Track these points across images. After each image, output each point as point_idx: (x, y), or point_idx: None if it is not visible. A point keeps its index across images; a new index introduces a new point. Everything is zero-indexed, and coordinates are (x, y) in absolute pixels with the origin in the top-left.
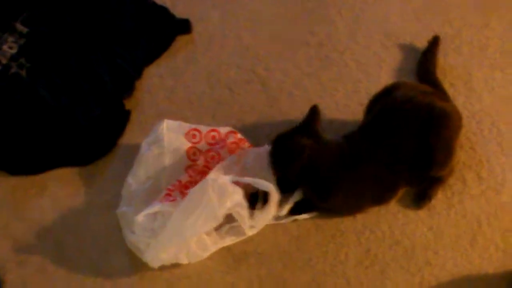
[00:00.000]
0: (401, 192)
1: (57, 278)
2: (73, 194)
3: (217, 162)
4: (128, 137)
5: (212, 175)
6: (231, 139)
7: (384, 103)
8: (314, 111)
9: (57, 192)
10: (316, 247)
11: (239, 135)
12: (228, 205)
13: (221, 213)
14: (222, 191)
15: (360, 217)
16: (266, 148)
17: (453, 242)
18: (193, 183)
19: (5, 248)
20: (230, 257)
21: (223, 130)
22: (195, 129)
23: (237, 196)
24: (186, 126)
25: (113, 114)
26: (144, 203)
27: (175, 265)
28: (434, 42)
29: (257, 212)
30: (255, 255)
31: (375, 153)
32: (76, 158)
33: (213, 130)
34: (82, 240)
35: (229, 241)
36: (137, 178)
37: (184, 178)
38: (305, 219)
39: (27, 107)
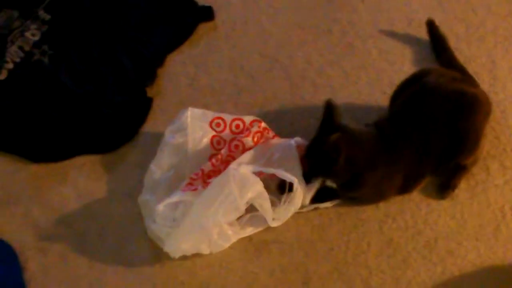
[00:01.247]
0: (424, 182)
1: (78, 266)
2: (95, 181)
3: (241, 151)
4: (150, 125)
5: (234, 165)
6: (255, 128)
7: (414, 89)
8: (330, 106)
9: (79, 179)
10: (338, 236)
11: (263, 124)
12: (249, 195)
13: (242, 203)
14: (244, 181)
15: (382, 206)
16: (294, 141)
17: (476, 232)
18: (216, 172)
19: (26, 235)
20: (252, 246)
21: (248, 118)
22: (219, 118)
23: (259, 187)
24: (210, 115)
25: (135, 101)
26: (167, 192)
27: (196, 254)
28: (432, 26)
29: (280, 204)
30: (276, 244)
31: (404, 141)
32: (98, 145)
33: (237, 119)
34: (103, 227)
35: (250, 231)
36: (160, 166)
37: (207, 167)
38: (327, 208)
39: (50, 94)
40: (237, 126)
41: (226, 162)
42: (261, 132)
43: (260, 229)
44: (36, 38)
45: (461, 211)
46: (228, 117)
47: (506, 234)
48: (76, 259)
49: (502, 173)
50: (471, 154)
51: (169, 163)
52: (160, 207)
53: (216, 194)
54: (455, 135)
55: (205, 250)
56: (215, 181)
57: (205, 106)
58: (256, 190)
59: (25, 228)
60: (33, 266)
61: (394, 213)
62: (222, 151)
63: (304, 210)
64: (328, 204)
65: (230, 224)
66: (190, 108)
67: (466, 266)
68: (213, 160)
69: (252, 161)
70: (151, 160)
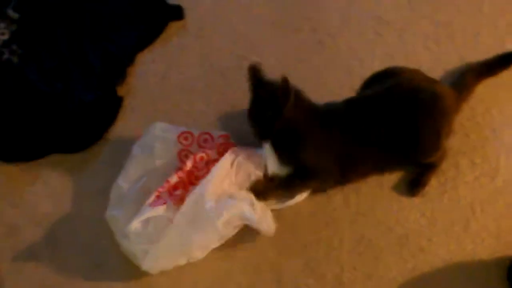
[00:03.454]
0: (371, 174)
1: (50, 264)
2: (67, 180)
3: (206, 163)
4: (121, 123)
5: (207, 186)
6: (220, 140)
7: (379, 86)
8: (255, 68)
9: (50, 178)
10: (310, 234)
11: (230, 139)
12: (226, 216)
13: (220, 224)
14: (219, 201)
15: (353, 203)
16: (257, 150)
17: (447, 228)
18: (181, 183)
19: None
20: (225, 244)
21: (216, 133)
22: (187, 132)
23: (235, 209)
24: (178, 129)
25: (105, 100)
26: (135, 206)
27: None
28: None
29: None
30: (250, 243)
31: (356, 130)
32: (69, 144)
33: (205, 133)
34: (75, 226)
35: (228, 235)
36: (127, 181)
37: (173, 179)
38: (298, 204)
39: (20, 94)
40: (205, 140)
41: (190, 173)
42: (226, 144)
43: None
44: (5, 37)
45: (432, 208)
46: (196, 132)
47: (475, 230)
48: (48, 257)
49: (472, 170)
50: (431, 154)
51: (136, 177)
52: (132, 226)
53: (192, 215)
54: (412, 135)
55: (183, 262)
56: (189, 201)
57: (176, 104)
58: (234, 210)
59: None
60: (4, 265)
61: (365, 210)
62: (187, 162)
63: (278, 207)
64: (298, 199)
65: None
66: (157, 123)
67: (437, 262)
68: (179, 172)
69: (222, 176)
70: (122, 158)
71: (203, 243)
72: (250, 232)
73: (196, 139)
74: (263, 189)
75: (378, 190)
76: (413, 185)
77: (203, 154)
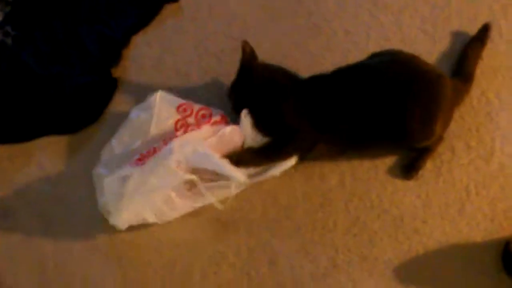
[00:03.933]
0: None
1: (44, 247)
2: (60, 162)
3: None
4: (115, 105)
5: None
6: (216, 118)
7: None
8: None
9: (44, 160)
10: (305, 216)
11: (228, 119)
12: (177, 153)
13: (172, 164)
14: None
15: (348, 185)
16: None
17: (442, 210)
18: None
19: None
20: (219, 226)
21: (215, 111)
22: (188, 104)
23: (186, 145)
24: (179, 100)
25: (100, 82)
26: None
27: (164, 234)
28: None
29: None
30: (244, 224)
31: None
32: (64, 126)
33: (204, 109)
34: (69, 208)
35: (201, 201)
36: (121, 142)
37: (160, 146)
38: (294, 187)
39: (13, 76)
40: (203, 116)
41: None
42: (221, 122)
43: (213, 200)
44: None
45: (427, 190)
46: (196, 106)
47: (470, 213)
48: (42, 240)
49: (467, 153)
50: (421, 140)
51: (130, 141)
52: (108, 180)
53: (152, 163)
54: (401, 116)
55: (151, 219)
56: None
57: (170, 87)
58: (186, 146)
59: None
60: None
61: (360, 192)
62: (178, 133)
63: (260, 178)
64: (277, 170)
65: (179, 192)
66: (160, 91)
67: (432, 244)
68: (168, 140)
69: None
70: None
71: (163, 190)
72: (244, 214)
73: (195, 113)
74: (239, 155)
75: (373, 173)
76: (408, 169)
77: (196, 128)
